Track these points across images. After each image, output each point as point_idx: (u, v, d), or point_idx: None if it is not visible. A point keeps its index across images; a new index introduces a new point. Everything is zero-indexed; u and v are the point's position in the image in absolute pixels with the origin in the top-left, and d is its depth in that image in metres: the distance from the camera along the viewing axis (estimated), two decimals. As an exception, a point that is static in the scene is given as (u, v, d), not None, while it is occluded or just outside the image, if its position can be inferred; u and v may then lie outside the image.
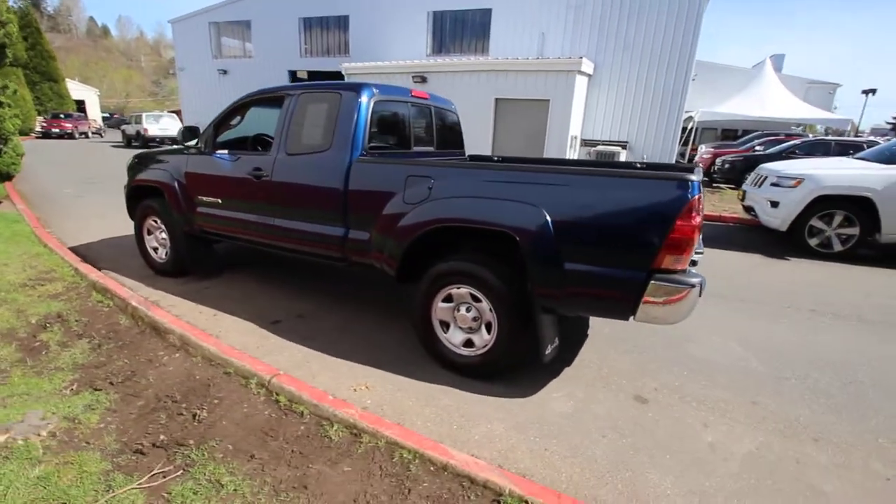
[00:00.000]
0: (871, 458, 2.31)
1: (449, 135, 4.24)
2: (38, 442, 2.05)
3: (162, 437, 2.18)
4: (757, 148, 15.52)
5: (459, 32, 18.15)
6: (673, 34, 15.01)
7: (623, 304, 2.36)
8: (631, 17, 15.26)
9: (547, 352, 2.62)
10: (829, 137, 13.73)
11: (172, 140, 20.08)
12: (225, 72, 21.79)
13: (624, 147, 15.06)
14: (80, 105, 37.94)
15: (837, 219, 5.90)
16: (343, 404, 2.35)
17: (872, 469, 2.23)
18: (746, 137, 19.47)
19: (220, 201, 3.82)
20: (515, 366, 2.84)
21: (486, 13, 17.13)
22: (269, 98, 3.73)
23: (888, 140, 18.35)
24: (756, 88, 22.43)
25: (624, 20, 15.44)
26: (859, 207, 5.73)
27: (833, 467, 2.24)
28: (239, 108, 3.88)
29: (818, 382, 3.01)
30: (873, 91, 33.66)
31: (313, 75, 23.66)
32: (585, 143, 15.73)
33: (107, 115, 46.53)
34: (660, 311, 2.30)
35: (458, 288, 2.77)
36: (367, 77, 16.07)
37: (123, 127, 22.31)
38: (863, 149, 12.44)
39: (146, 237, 4.52)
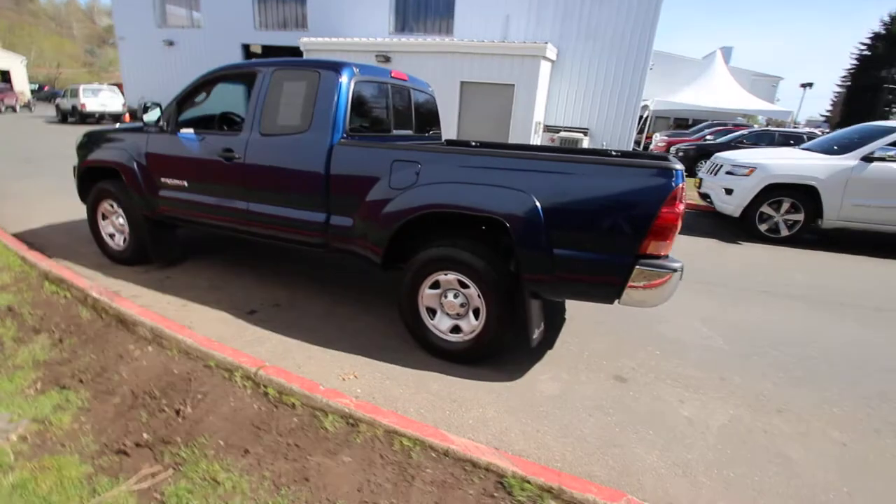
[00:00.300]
0: (829, 426, 2.53)
1: (426, 118, 4.17)
2: (9, 447, 1.90)
3: (145, 435, 2.07)
4: (708, 137, 16.27)
5: (423, 11, 17.77)
6: (633, 24, 15.33)
7: (609, 289, 2.44)
8: (593, 5, 15.44)
9: (535, 336, 2.68)
10: (773, 129, 14.57)
11: (114, 116, 18.67)
12: (171, 43, 20.38)
13: (585, 133, 15.38)
14: (5, 75, 34.55)
15: (785, 206, 6.32)
16: (336, 394, 2.31)
17: (831, 436, 2.45)
18: (697, 127, 20.37)
19: (185, 184, 3.60)
20: (501, 350, 2.89)
21: (451, -7, 16.83)
22: (238, 74, 3.52)
23: (822, 131, 19.73)
24: (707, 80, 23.40)
25: (586, 8, 15.61)
26: (805, 195, 6.15)
27: (797, 435, 2.43)
28: (204, 85, 3.64)
29: (777, 358, 3.25)
30: (810, 85, 35.98)
31: (269, 50, 22.59)
32: (548, 128, 15.93)
33: (36, 86, 42.51)
34: (644, 295, 2.40)
35: (446, 274, 2.76)
36: (327, 54, 15.49)
37: (58, 101, 20.48)
38: (803, 140, 13.32)
39: (101, 222, 4.21)
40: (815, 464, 2.24)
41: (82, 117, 18.78)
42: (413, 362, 2.89)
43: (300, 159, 3.09)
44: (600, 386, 2.78)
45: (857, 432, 2.49)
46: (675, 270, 2.33)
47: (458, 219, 2.74)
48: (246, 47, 20.12)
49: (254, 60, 3.54)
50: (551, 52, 14.51)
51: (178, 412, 2.20)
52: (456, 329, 2.87)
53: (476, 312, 2.78)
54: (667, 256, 2.40)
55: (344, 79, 3.05)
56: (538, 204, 2.41)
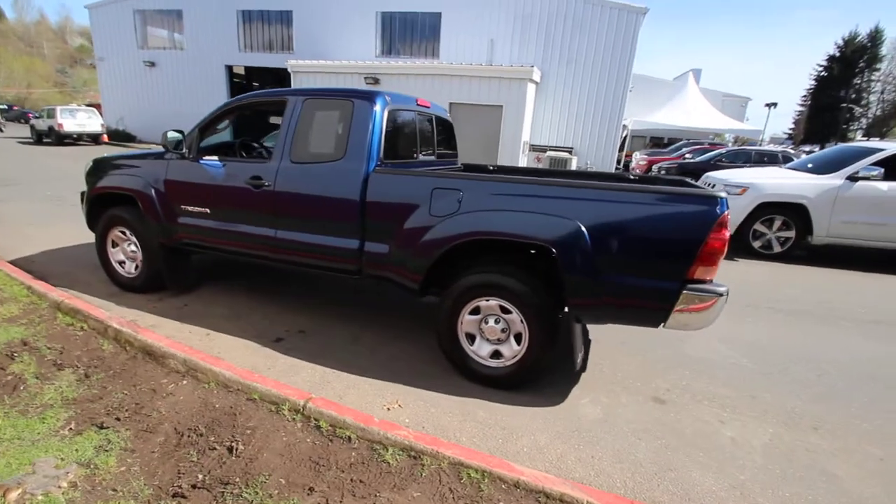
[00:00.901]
0: (863, 441, 2.61)
1: (446, 143, 4.23)
2: (61, 495, 1.80)
3: (199, 476, 1.99)
4: (687, 156, 16.87)
5: (409, 34, 18.10)
6: (612, 47, 15.91)
7: (656, 313, 2.49)
8: (574, 30, 15.99)
9: (578, 359, 2.70)
10: (750, 147, 15.22)
11: (92, 137, 18.22)
12: (152, 64, 20.16)
13: (570, 153, 15.76)
14: (-29, 95, 33.44)
15: (777, 223, 6.58)
16: (392, 426, 2.28)
17: (868, 451, 2.52)
18: (675, 145, 21.13)
19: (208, 211, 3.54)
20: (541, 375, 2.90)
21: (436, 17, 17.22)
22: (265, 102, 3.51)
23: (789, 148, 20.64)
24: (681, 100, 24.35)
25: (568, 32, 16.15)
26: (795, 213, 6.42)
27: (837, 452, 2.50)
28: (228, 112, 3.61)
29: (796, 375, 3.35)
30: (775, 104, 37.77)
31: (254, 71, 22.57)
32: (533, 148, 16.27)
33: (4, 106, 41.24)
34: (690, 319, 2.46)
35: (488, 300, 2.78)
36: (315, 76, 15.58)
37: (33, 121, 19.89)
38: (778, 158, 13.94)
39: (110, 250, 4.09)
40: (858, 479, 2.30)
41: (59, 138, 18.26)
42: (453, 389, 2.87)
43: (334, 187, 3.08)
44: (641, 408, 2.81)
45: (890, 446, 2.58)
46: (721, 294, 2.40)
47: (498, 246, 2.77)
48: (230, 69, 20.06)
49: (282, 89, 3.54)
50: (536, 74, 14.92)
51: (230, 449, 2.13)
52: (496, 354, 2.87)
53: (518, 337, 2.79)
54: (711, 281, 2.47)
55: (378, 107, 3.08)
56: (585, 231, 2.46)
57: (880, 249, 6.41)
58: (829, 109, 49.73)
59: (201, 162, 3.54)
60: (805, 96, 55.17)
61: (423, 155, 3.77)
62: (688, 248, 2.36)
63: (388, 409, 2.62)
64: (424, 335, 3.59)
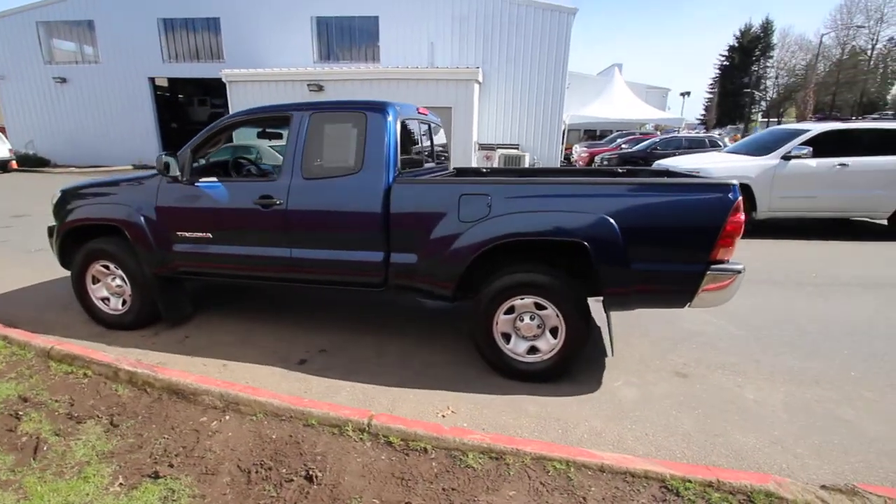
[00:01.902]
0: (858, 387, 2.98)
1: (441, 150, 4.27)
2: (155, 552, 1.67)
3: (287, 510, 1.92)
4: (623, 146, 17.94)
5: (348, 39, 17.83)
6: (548, 46, 16.56)
7: (684, 295, 2.71)
8: (511, 31, 16.48)
9: (610, 347, 2.87)
10: (681, 135, 16.46)
11: (0, 164, 16.29)
12: (63, 80, 18.38)
13: (517, 149, 16.25)
14: None
15: (726, 202, 7.21)
16: (464, 431, 2.31)
17: (865, 395, 2.89)
18: (610, 137, 22.39)
19: (210, 236, 3.35)
20: (573, 365, 3.04)
21: (374, 21, 17.09)
22: (264, 118, 3.38)
23: (697, 131, 22.44)
24: (609, 94, 25.76)
25: (505, 33, 16.62)
26: (742, 192, 7.06)
27: (841, 400, 2.84)
28: (223, 130, 3.44)
29: (782, 337, 3.73)
30: (688, 93, 40.96)
31: (181, 83, 21.20)
32: (482, 146, 16.60)
33: None
34: (714, 297, 2.70)
35: (523, 299, 2.87)
36: (253, 85, 14.96)
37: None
38: (705, 143, 15.17)
39: (91, 287, 3.75)
40: (866, 420, 2.64)
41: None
42: (494, 387, 2.94)
43: (353, 201, 3.04)
44: (669, 384, 3.02)
45: (879, 389, 2.96)
46: (739, 272, 2.65)
47: (524, 246, 2.86)
48: (153, 81, 18.72)
49: (284, 104, 3.42)
50: (479, 74, 15.24)
51: (309, 478, 2.07)
52: (532, 350, 2.97)
53: (553, 331, 2.91)
54: (729, 260, 2.71)
55: (391, 118, 3.08)
56: (615, 224, 2.62)
57: (813, 219, 7.22)
58: (733, 95, 54.78)
59: (198, 185, 3.34)
60: (712, 84, 60.33)
61: (427, 162, 3.80)
62: (709, 233, 2.58)
63: (443, 415, 2.64)
64: (447, 339, 3.63)
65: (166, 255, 3.47)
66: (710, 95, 59.34)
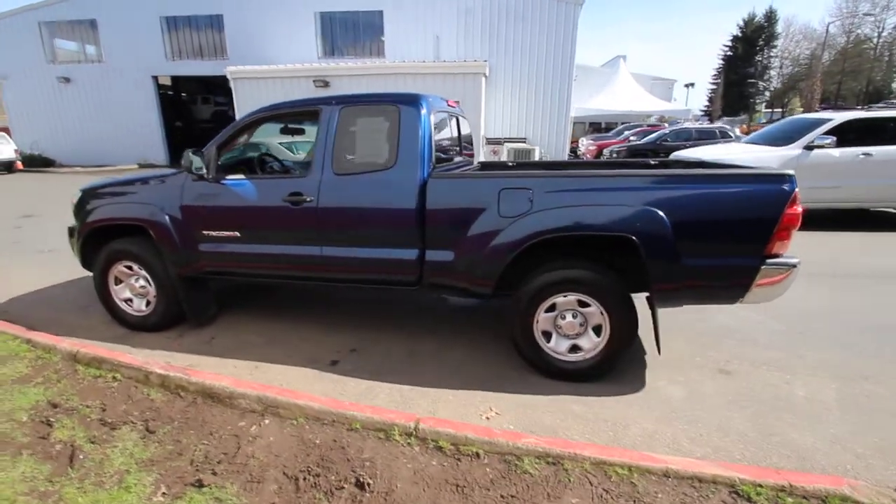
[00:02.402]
0: (910, 382, 2.88)
1: (467, 143, 4.17)
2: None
3: (341, 519, 1.84)
4: (631, 138, 17.75)
5: (352, 34, 17.67)
6: (555, 38, 16.37)
7: (737, 290, 2.61)
8: (517, 23, 16.30)
9: (658, 345, 2.77)
10: (691, 126, 16.28)
11: (5, 165, 16.24)
12: (67, 80, 18.30)
13: (524, 143, 16.10)
14: None
15: (746, 194, 7.09)
16: (517, 434, 2.22)
17: (918, 391, 2.79)
18: (616, 129, 22.19)
19: (238, 235, 3.26)
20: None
21: (378, 15, 16.93)
22: (291, 113, 3.29)
23: (700, 123, 22.21)
24: (614, 86, 25.57)
25: (511, 26, 16.43)
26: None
27: (891, 396, 2.74)
28: (249, 126, 3.34)
29: (822, 331, 3.63)
30: (692, 84, 40.65)
31: (184, 81, 21.10)
32: (489, 141, 16.46)
33: None
34: (767, 292, 2.60)
35: (566, 296, 2.78)
36: (259, 82, 14.84)
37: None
38: (716, 135, 14.99)
39: (113, 288, 3.67)
40: (921, 414, 2.54)
41: (-38, 168, 16.12)
42: (535, 387, 2.85)
43: (388, 197, 2.95)
44: (714, 382, 2.93)
45: (931, 384, 2.87)
46: (794, 266, 2.55)
47: (567, 241, 2.77)
48: (156, 79, 18.61)
49: (312, 98, 3.32)
50: (486, 68, 15.08)
51: (360, 485, 1.99)
52: (573, 348, 2.88)
53: (596, 329, 2.82)
54: (783, 254, 2.61)
55: (424, 111, 2.98)
56: (665, 218, 2.52)
57: (832, 210, 7.09)
58: (737, 86, 54.33)
59: (225, 182, 3.26)
60: (715, 75, 59.83)
61: (456, 156, 3.70)
62: (765, 226, 2.48)
63: (487, 417, 2.56)
64: (479, 337, 3.55)
65: (192, 254, 3.39)
66: (714, 86, 58.84)
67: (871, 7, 46.53)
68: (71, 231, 3.80)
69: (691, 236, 2.54)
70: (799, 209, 2.50)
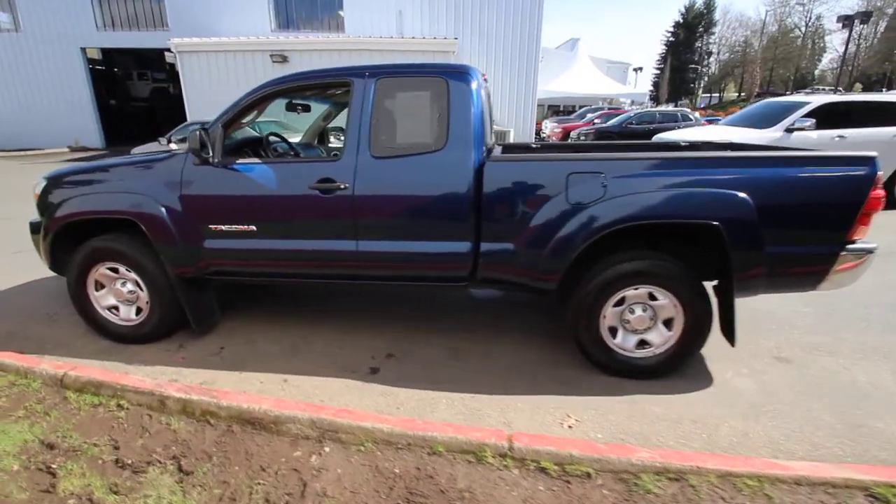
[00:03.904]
0: (958, 362, 2.94)
1: (494, 123, 3.85)
2: None
3: (461, 569, 1.55)
4: (596, 121, 17.96)
5: (307, 6, 16.61)
6: (521, 19, 16.13)
7: (816, 276, 2.51)
8: (483, 2, 15.88)
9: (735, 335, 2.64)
10: (654, 109, 16.64)
11: None
12: (-26, 50, 15.98)
13: (496, 125, 15.86)
14: None
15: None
16: (627, 448, 2.01)
17: (969, 370, 2.84)
18: (578, 112, 22.42)
19: (254, 229, 2.80)
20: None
21: (337, -13, 15.94)
22: (315, 85, 2.83)
23: (643, 107, 22.94)
24: (574, 69, 25.77)
25: (477, 5, 16.00)
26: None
27: (949, 376, 2.78)
28: (259, 101, 2.85)
29: (850, 311, 3.67)
30: (641, 69, 41.96)
31: (117, 55, 19.07)
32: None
33: None
34: (844, 278, 2.51)
35: (636, 289, 2.58)
36: (209, 55, 13.62)
37: None
38: (678, 118, 15.40)
39: (94, 294, 3.10)
40: (983, 394, 2.57)
41: None
42: (603, 388, 2.66)
43: (438, 182, 2.61)
44: (777, 371, 2.85)
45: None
46: (872, 251, 2.47)
47: (639, 229, 2.55)
48: (86, 52, 16.67)
49: (340, 68, 2.86)
50: (456, 46, 14.63)
51: (470, 525, 1.70)
52: (642, 344, 2.70)
53: (667, 323, 2.65)
54: (860, 239, 2.53)
55: (475, 85, 2.64)
56: (751, 203, 2.35)
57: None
58: (680, 71, 56.70)
59: (235, 167, 2.77)
60: (659, 60, 62.09)
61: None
62: (849, 210, 2.37)
63: (569, 426, 2.33)
64: (521, 334, 3.31)
65: (195, 252, 2.89)
66: (658, 71, 61.07)
67: (800, -3, 49.61)
68: (34, 227, 3.17)
69: (775, 222, 2.40)
70: (882, 192, 2.41)
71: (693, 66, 56.31)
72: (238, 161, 2.80)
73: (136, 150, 10.93)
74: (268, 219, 2.79)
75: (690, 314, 2.57)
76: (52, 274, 3.75)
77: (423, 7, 16.00)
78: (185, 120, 13.54)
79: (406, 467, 1.99)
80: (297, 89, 2.92)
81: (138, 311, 3.11)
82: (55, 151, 15.75)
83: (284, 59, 13.57)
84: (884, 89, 33.00)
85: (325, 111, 4.07)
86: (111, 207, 2.89)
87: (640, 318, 2.64)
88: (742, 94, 55.49)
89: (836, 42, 52.97)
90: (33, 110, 16.50)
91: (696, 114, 16.52)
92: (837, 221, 2.41)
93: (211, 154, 2.70)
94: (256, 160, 2.80)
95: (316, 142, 4.24)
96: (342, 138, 4.73)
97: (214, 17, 16.38)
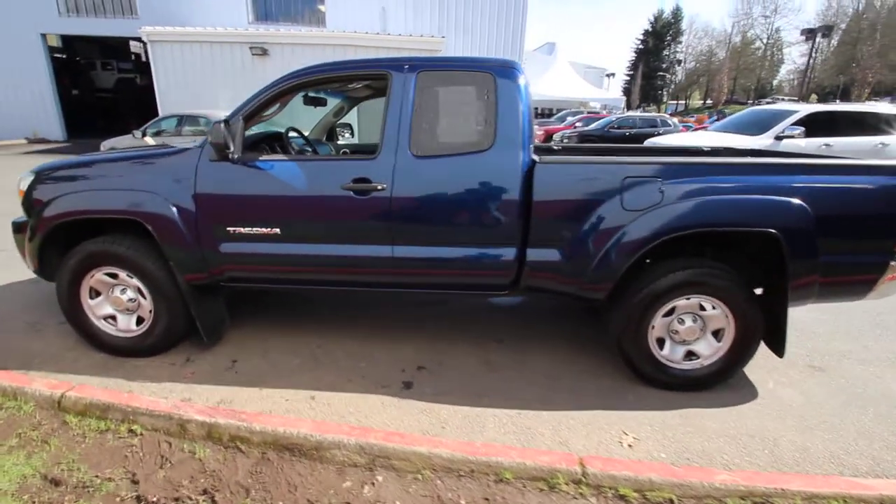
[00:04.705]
0: (982, 369, 2.98)
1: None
2: None
3: None
4: (577, 124, 18.13)
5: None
6: (505, 19, 16.15)
7: (865, 286, 2.48)
8: (468, 1, 15.79)
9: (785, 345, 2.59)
10: (634, 114, 16.93)
11: None
12: (-81, 31, 14.71)
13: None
14: None
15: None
16: (707, 471, 1.89)
17: None
18: (558, 115, 22.61)
19: (278, 232, 2.56)
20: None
21: (318, -20, 15.52)
22: (346, 77, 2.61)
23: (620, 112, 23.49)
24: (552, 73, 26.05)
25: (462, 3, 15.90)
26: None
27: (979, 384, 2.81)
28: (284, 93, 2.61)
29: (865, 319, 3.71)
30: (613, 74, 42.93)
31: (80, 43, 17.98)
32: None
33: None
34: (889, 288, 2.49)
35: (688, 299, 2.49)
36: (185, 46, 12.98)
37: None
38: (657, 123, 15.71)
39: (88, 303, 2.78)
40: None
41: None
42: (652, 401, 2.56)
43: (483, 184, 2.44)
44: (816, 380, 2.82)
45: None
46: None
47: (690, 237, 2.46)
48: (45, 38, 15.62)
49: (375, 59, 2.65)
50: (443, 45, 14.46)
51: (559, 564, 1.55)
52: (689, 355, 2.61)
53: (716, 333, 2.57)
54: None
55: (522, 81, 2.49)
56: (810, 211, 2.30)
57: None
58: (648, 78, 58.39)
59: (259, 164, 2.52)
60: (629, 67, 63.72)
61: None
62: (899, 220, 2.35)
63: (630, 445, 2.21)
64: (553, 341, 3.18)
65: (210, 257, 2.62)
66: (629, 77, 62.62)
67: (763, 10, 51.85)
68: (18, 227, 2.82)
69: (831, 231, 2.35)
70: (932, 200, 2.39)
71: (661, 73, 58.08)
72: (261, 157, 2.55)
73: (107, 143, 10.29)
74: (294, 221, 2.56)
75: (742, 325, 2.50)
76: (30, 275, 3.41)
77: (406, 3, 15.77)
78: (152, 112, 12.87)
79: (473, 498, 1.81)
80: (325, 81, 2.69)
81: (139, 320, 2.81)
82: (11, 143, 14.69)
83: (264, 52, 13.07)
84: (837, 100, 34.86)
85: (336, 106, 3.83)
86: (113, 206, 2.58)
87: (690, 329, 2.55)
88: (708, 101, 57.64)
89: (794, 54, 55.76)
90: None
91: (675, 120, 16.90)
92: (888, 231, 2.38)
93: (232, 149, 2.45)
94: (282, 156, 2.56)
95: (324, 138, 3.99)
96: (346, 135, 4.55)
97: (187, 5, 15.67)
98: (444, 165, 2.46)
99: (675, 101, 63.26)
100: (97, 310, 2.80)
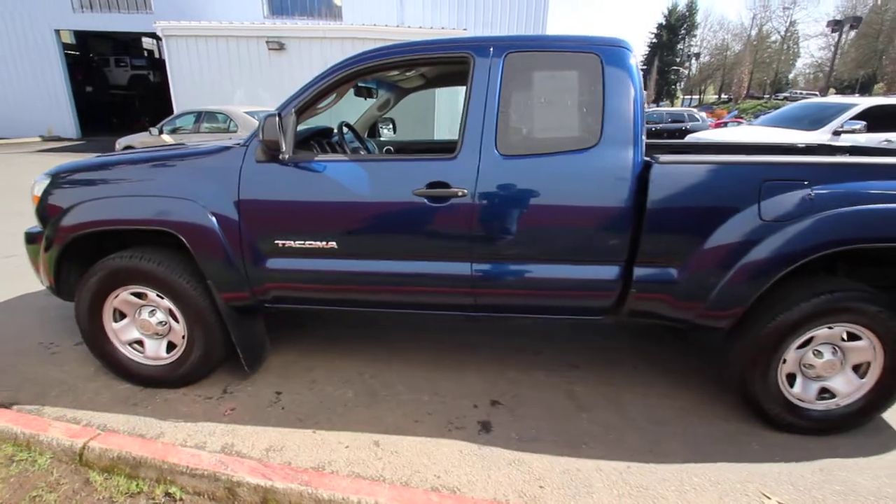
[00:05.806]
0: None
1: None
2: None
3: None
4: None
5: (303, -7, 15.68)
6: (526, 13, 15.64)
7: None
8: (488, -6, 15.32)
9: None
10: (662, 109, 16.40)
11: None
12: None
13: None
14: None
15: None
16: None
17: None
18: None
19: (335, 245, 2.16)
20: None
21: (334, -28, 15.13)
22: (416, 61, 2.20)
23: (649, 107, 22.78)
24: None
25: (481, -4, 15.42)
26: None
27: None
28: (343, 81, 2.20)
29: None
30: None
31: (93, 39, 17.79)
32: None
33: None
34: None
35: (831, 328, 2.05)
36: (201, 41, 12.65)
37: None
38: (684, 118, 15.15)
39: (112, 326, 2.41)
40: None
41: None
42: (782, 450, 2.13)
43: (586, 189, 2.03)
44: None
45: None
46: None
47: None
48: (60, 35, 15.40)
49: (454, 38, 2.24)
50: (463, 39, 14.01)
51: None
52: (823, 392, 2.18)
53: (856, 368, 2.13)
54: None
55: (634, 62, 2.06)
56: None
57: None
58: (661, 73, 57.38)
59: (313, 165, 2.12)
60: (642, 61, 62.66)
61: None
62: None
63: (776, 511, 1.79)
64: (642, 371, 2.76)
65: (255, 274, 2.23)
66: (643, 71, 61.52)
67: (782, 2, 50.51)
68: (31, 237, 2.45)
69: None
70: None
71: (675, 67, 57.02)
72: (316, 158, 2.15)
73: (122, 141, 9.98)
74: (355, 233, 2.15)
75: (892, 358, 2.06)
76: (42, 287, 3.05)
77: (424, -3, 15.33)
78: (167, 109, 12.58)
79: None
80: (390, 66, 2.27)
81: (170, 346, 2.43)
82: (26, 141, 14.48)
83: (281, 47, 12.70)
84: (857, 94, 33.83)
85: (381, 99, 3.42)
86: (141, 216, 2.20)
87: (830, 363, 2.11)
88: (723, 96, 56.48)
89: (811, 48, 54.37)
90: (2, 96, 15.15)
91: (703, 114, 16.33)
92: None
93: (283, 148, 2.04)
94: (340, 156, 2.17)
95: (366, 135, 3.59)
96: (385, 131, 4.14)
97: (207, 1, 15.35)
98: (537, 167, 2.04)
99: (689, 96, 62.16)
100: (122, 334, 2.42)
